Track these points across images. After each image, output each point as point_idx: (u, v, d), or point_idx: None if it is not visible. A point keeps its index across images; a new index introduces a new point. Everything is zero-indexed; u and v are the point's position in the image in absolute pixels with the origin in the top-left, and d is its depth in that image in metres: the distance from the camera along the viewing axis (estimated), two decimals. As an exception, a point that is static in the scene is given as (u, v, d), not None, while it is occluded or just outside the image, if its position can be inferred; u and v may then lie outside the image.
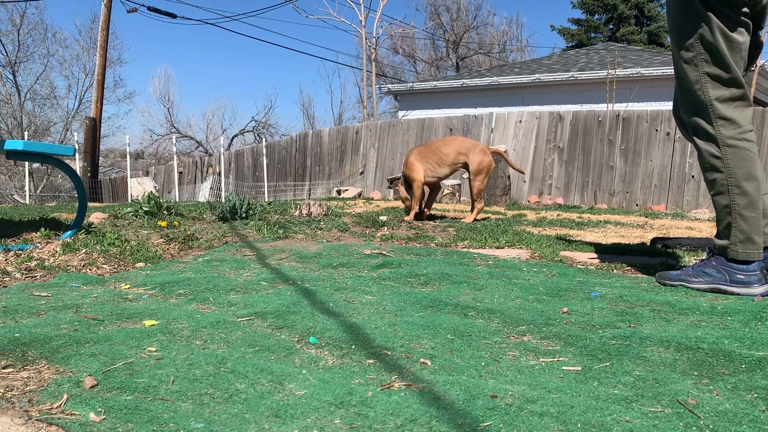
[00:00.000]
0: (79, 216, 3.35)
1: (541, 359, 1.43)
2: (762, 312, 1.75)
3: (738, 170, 2.06)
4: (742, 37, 2.09)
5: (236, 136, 30.20)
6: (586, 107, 11.18)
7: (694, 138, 2.19)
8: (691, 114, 2.16)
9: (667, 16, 2.22)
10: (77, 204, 3.61)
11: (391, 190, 10.02)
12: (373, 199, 9.23)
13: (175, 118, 34.71)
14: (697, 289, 2.12)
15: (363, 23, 18.40)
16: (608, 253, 3.13)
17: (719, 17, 2.06)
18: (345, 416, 1.10)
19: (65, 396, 1.15)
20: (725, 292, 2.07)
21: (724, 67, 2.08)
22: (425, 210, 5.08)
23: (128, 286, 2.24)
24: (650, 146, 9.07)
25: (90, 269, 2.65)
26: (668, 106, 9.63)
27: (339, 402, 1.15)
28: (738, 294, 2.05)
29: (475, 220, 4.88)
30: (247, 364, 1.34)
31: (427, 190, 5.05)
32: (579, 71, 12.72)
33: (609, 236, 4.10)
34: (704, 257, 2.23)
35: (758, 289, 2.03)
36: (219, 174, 14.71)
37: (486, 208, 7.00)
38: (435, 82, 14.81)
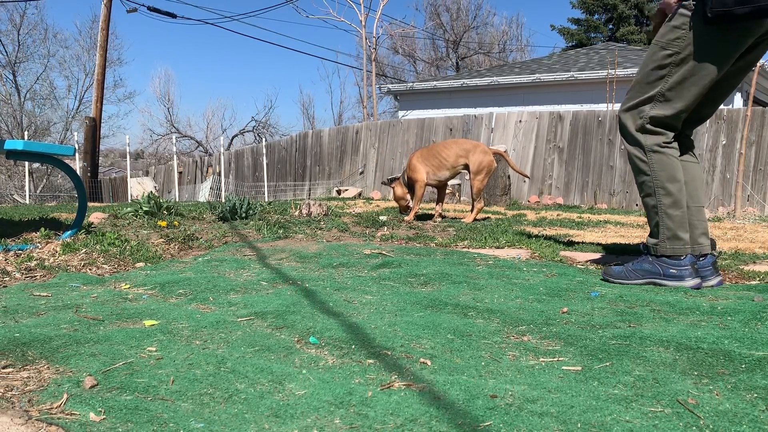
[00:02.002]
0: (79, 216, 3.35)
1: (541, 359, 1.43)
2: (762, 312, 1.75)
3: (662, 173, 2.22)
4: (724, 71, 2.16)
5: (236, 136, 30.22)
6: (586, 107, 11.18)
7: (623, 138, 2.36)
8: (627, 116, 2.29)
9: (662, 28, 2.22)
10: (77, 204, 3.61)
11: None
12: (373, 199, 9.22)
13: (175, 117, 34.73)
14: (635, 284, 2.25)
15: (363, 23, 18.39)
16: (608, 253, 3.13)
17: (716, 47, 2.10)
18: (345, 416, 1.10)
19: (65, 396, 1.15)
20: (659, 285, 2.22)
21: (683, 98, 2.18)
22: (437, 207, 5.13)
23: (128, 286, 2.24)
24: (650, 146, 9.07)
25: (90, 269, 2.65)
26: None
27: (339, 402, 1.15)
28: (670, 286, 2.19)
29: (475, 219, 4.88)
30: (247, 364, 1.34)
31: (432, 190, 5.09)
32: (579, 71, 12.72)
33: (609, 236, 4.10)
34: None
35: (689, 282, 2.18)
36: (219, 174, 14.70)
37: (486, 208, 7.00)
38: (435, 82, 14.80)
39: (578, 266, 2.75)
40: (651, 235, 2.29)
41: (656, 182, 2.23)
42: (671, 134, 2.25)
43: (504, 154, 5.34)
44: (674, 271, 2.20)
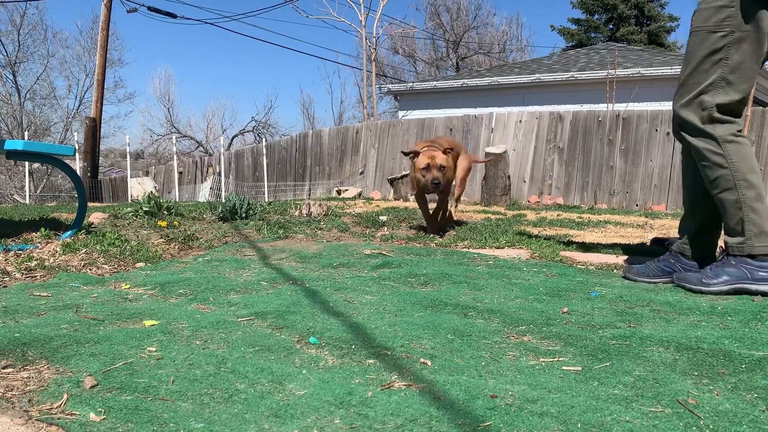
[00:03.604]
0: (79, 216, 3.35)
1: (541, 359, 1.43)
2: (762, 312, 1.75)
3: (742, 164, 2.04)
4: None
5: (236, 136, 30.21)
6: (586, 107, 11.17)
7: (684, 134, 2.16)
8: (688, 110, 2.12)
9: (700, 14, 2.10)
10: (77, 204, 3.61)
11: (392, 190, 10.02)
12: (373, 199, 9.22)
13: (175, 118, 34.66)
14: (719, 292, 2.01)
15: (363, 23, 18.38)
16: (608, 253, 3.13)
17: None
18: (345, 416, 1.10)
19: (65, 396, 1.15)
20: (750, 292, 1.97)
21: (748, 78, 2.04)
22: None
23: (128, 286, 2.24)
24: (650, 146, 9.07)
25: (90, 269, 2.65)
26: (668, 106, 9.59)
27: (339, 402, 1.15)
28: (765, 292, 1.95)
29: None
30: (247, 364, 1.34)
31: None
32: (579, 71, 12.71)
33: (609, 236, 4.10)
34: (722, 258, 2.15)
35: None
36: (219, 174, 14.70)
37: (486, 208, 7.01)
38: (435, 82, 14.80)
39: (578, 266, 2.74)
40: (730, 234, 2.08)
41: (736, 175, 2.03)
42: (740, 121, 2.09)
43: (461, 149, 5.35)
44: (764, 273, 1.97)
